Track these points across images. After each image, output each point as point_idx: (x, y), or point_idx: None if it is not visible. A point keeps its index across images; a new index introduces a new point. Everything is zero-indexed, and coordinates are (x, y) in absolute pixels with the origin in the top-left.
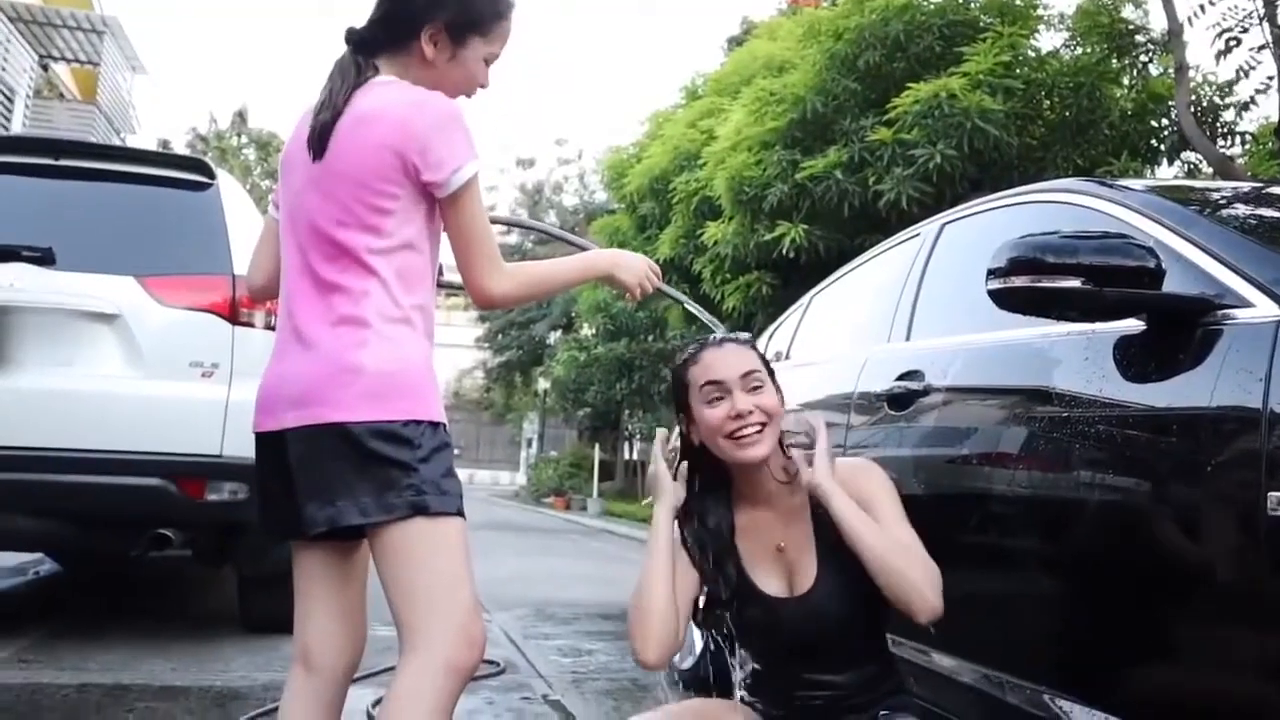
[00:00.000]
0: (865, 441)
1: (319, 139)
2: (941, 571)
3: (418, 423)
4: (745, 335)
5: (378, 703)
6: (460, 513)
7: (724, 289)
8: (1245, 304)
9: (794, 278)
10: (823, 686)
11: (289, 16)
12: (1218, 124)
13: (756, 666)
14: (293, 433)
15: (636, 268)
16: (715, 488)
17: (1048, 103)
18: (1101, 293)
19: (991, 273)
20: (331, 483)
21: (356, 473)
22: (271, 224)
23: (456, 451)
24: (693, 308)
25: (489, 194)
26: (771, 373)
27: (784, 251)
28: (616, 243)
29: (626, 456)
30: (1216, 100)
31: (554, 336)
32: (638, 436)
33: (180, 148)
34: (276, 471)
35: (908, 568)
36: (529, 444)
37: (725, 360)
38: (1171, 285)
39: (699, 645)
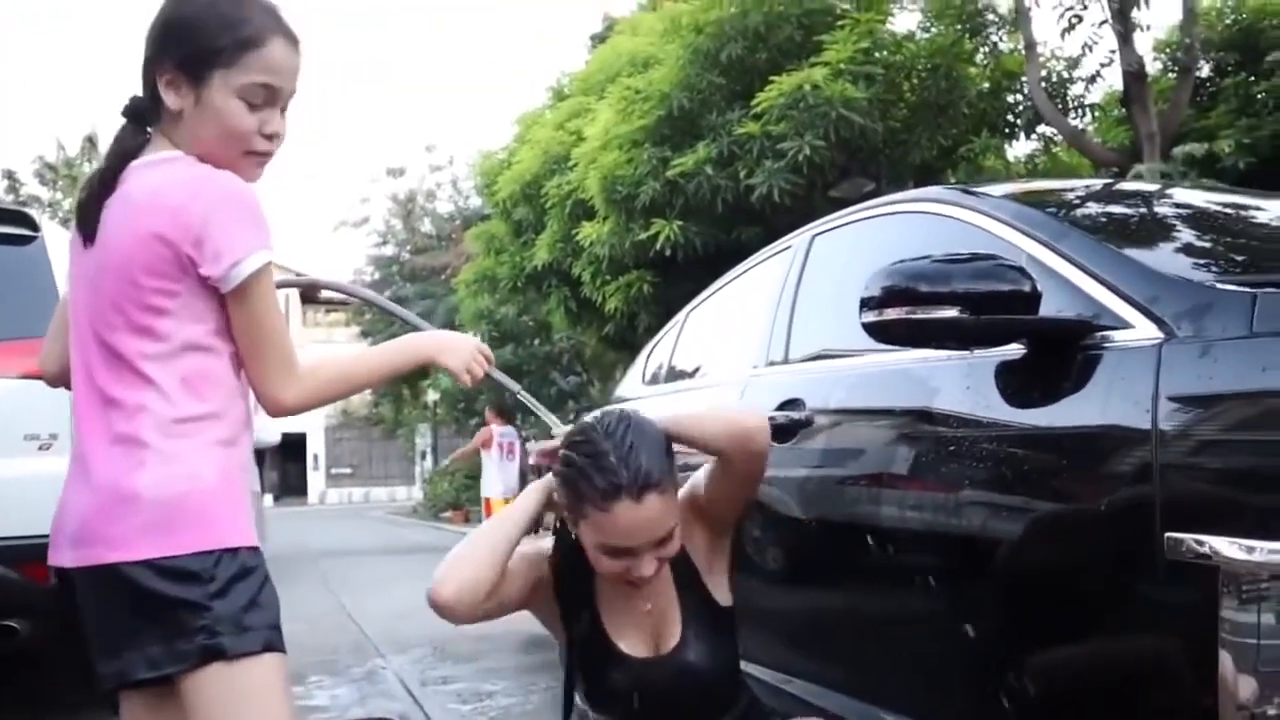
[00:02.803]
0: None
1: (80, 220)
2: (828, 606)
3: (209, 553)
4: (655, 475)
5: None
6: (271, 647)
7: (604, 290)
8: (1123, 324)
9: (673, 275)
10: None
11: (127, 32)
12: (1068, 98)
13: None
14: (75, 573)
15: (462, 350)
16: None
17: (907, 85)
18: (979, 321)
19: (865, 304)
20: (115, 631)
21: (141, 619)
22: (64, 306)
23: (348, 470)
24: (526, 399)
25: (361, 206)
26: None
27: (661, 249)
28: (493, 250)
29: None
30: (1065, 75)
31: None
32: (531, 441)
33: (28, 178)
34: (75, 610)
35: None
36: (422, 457)
37: (641, 521)
38: (1048, 305)
39: None
